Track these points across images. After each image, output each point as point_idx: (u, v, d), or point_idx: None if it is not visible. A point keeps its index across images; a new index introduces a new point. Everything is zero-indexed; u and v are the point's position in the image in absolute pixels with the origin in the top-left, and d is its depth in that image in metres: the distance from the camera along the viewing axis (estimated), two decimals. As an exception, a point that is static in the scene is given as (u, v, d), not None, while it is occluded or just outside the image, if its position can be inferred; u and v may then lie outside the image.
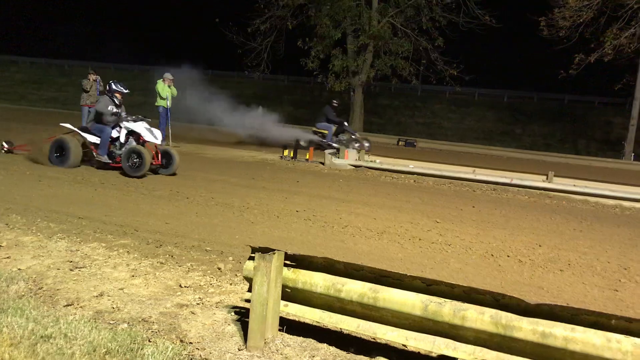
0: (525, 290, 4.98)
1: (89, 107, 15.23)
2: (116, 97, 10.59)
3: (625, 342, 2.84)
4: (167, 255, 5.42)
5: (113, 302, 4.15)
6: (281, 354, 3.42)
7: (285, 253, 3.59)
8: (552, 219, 8.72)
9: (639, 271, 5.97)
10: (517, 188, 11.62)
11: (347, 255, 5.76)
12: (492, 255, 6.20)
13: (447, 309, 3.14)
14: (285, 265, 3.61)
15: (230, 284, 4.67)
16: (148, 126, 10.44)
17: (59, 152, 10.33)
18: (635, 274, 5.86)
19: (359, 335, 3.71)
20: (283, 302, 3.63)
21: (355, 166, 13.46)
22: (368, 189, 10.66)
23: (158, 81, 14.88)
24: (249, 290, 3.66)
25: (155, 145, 10.38)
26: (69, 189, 8.58)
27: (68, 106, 18.28)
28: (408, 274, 3.25)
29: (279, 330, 3.65)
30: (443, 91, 30.93)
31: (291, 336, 3.66)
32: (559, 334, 2.92)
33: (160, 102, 14.91)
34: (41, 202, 7.36)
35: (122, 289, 4.44)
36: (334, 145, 16.58)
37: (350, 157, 13.70)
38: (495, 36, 23.68)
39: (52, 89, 35.89)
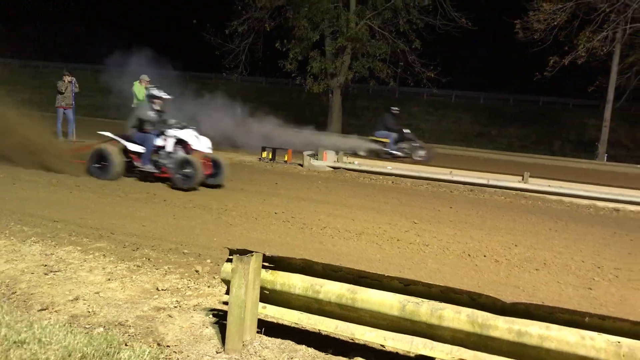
0: (502, 290, 5.04)
1: (64, 109, 15.02)
2: (156, 104, 9.91)
3: (599, 339, 2.88)
4: (144, 259, 5.37)
5: (89, 306, 4.10)
6: (259, 356, 3.41)
7: (264, 255, 3.58)
8: (528, 219, 8.84)
9: (612, 270, 6.08)
10: (493, 189, 11.74)
11: (326, 256, 5.76)
12: (469, 255, 6.26)
13: (425, 309, 3.16)
14: (264, 267, 3.61)
15: (208, 287, 4.65)
16: (196, 133, 9.77)
17: (100, 163, 9.61)
18: (608, 272, 5.97)
19: (337, 336, 3.72)
20: (261, 304, 3.62)
21: (334, 168, 13.48)
22: (346, 191, 10.68)
23: (135, 83, 14.72)
24: (227, 292, 3.64)
25: (204, 154, 9.68)
26: (43, 191, 8.44)
27: (43, 108, 17.98)
28: (386, 275, 3.27)
29: (258, 332, 3.64)
30: (420, 93, 31.13)
31: (270, 338, 3.65)
32: (535, 332, 2.96)
33: (137, 104, 14.76)
34: (15, 205, 7.23)
35: (98, 292, 4.39)
36: (397, 153, 16.08)
37: (328, 159, 13.71)
38: (472, 39, 23.89)
39: (26, 90, 35.34)
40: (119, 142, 9.90)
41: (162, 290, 4.52)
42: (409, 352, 3.33)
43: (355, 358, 3.49)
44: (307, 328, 3.74)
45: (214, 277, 4.87)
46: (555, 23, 19.08)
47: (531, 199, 11.04)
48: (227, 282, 3.64)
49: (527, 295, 4.96)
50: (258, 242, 6.20)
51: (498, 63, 29.58)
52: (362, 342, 3.61)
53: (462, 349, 3.12)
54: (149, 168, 9.72)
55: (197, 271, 5.04)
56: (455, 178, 12.23)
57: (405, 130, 16.91)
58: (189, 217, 7.38)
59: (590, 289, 5.40)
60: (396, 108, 17.46)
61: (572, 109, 29.87)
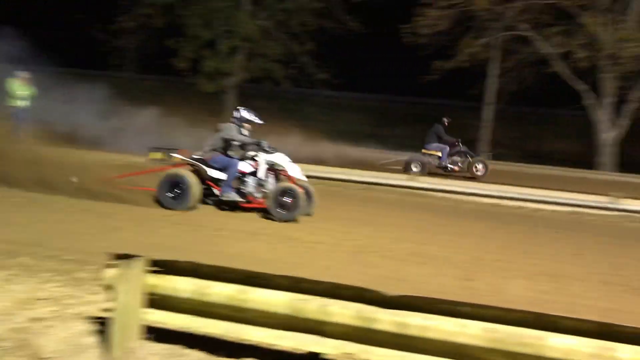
0: (390, 284, 5.18)
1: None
2: (245, 127, 8.79)
3: (475, 326, 3.06)
4: (21, 267, 5.01)
5: (-45, 321, 3.76)
6: (145, 363, 3.29)
7: (149, 258, 3.46)
8: (415, 216, 9.23)
9: (491, 262, 6.51)
10: (384, 187, 12.12)
11: (219, 258, 5.64)
12: (360, 251, 6.43)
13: (313, 306, 3.20)
14: (150, 271, 3.48)
15: (91, 294, 4.41)
16: (289, 158, 8.74)
17: (174, 191, 8.19)
18: (487, 264, 6.37)
19: (229, 339, 3.67)
20: (147, 310, 3.49)
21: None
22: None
23: (10, 79, 13.74)
24: (110, 299, 3.48)
25: (295, 181, 8.55)
26: None
27: None
28: (275, 274, 3.27)
29: (147, 338, 3.51)
30: (315, 95, 31.48)
31: (158, 344, 3.53)
32: (417, 323, 3.09)
33: (13, 102, 13.77)
34: None
35: (-34, 306, 4.04)
36: (451, 167, 14.84)
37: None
38: (364, 42, 24.55)
39: None
40: (195, 166, 8.56)
41: (41, 299, 4.24)
42: (300, 349, 3.36)
43: (247, 359, 3.47)
44: (197, 332, 3.66)
45: (97, 284, 4.63)
46: (440, 29, 20.01)
47: (419, 196, 11.51)
48: (110, 288, 3.48)
49: (413, 288, 5.15)
50: (148, 246, 5.98)
51: (389, 66, 30.59)
52: (253, 343, 3.58)
53: (350, 343, 3.19)
54: (232, 196, 8.39)
55: (78, 278, 4.79)
56: (347, 177, 12.51)
57: (459, 143, 15.39)
58: (72, 222, 6.99)
59: (471, 280, 5.73)
60: (447, 118, 15.74)
61: (456, 110, 31.51)
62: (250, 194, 8.41)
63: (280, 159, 8.59)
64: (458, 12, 20.04)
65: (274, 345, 3.48)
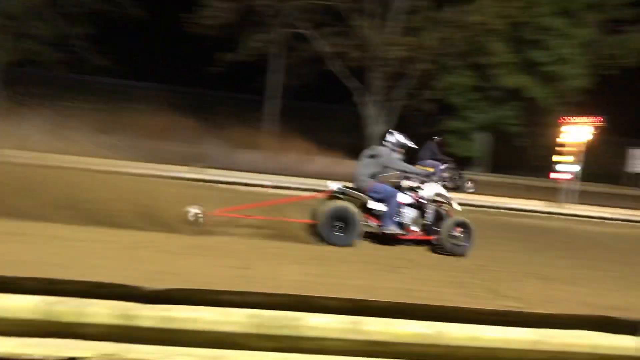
0: (163, 278, 5.05)
1: None
2: (398, 152, 8.24)
3: (239, 314, 3.14)
4: None
5: None
6: None
7: None
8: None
9: (267, 249, 6.75)
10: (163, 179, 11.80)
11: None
12: (134, 247, 6.18)
13: (69, 308, 3.01)
14: None
15: None
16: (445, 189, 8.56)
17: (339, 225, 7.52)
18: (262, 253, 6.58)
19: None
20: None
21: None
22: None
23: None
24: None
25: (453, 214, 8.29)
26: None
27: None
28: (22, 276, 2.98)
29: None
30: (95, 82, 29.48)
31: None
32: (181, 316, 3.07)
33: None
34: None
35: None
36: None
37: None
38: (150, 29, 23.66)
39: None
40: (354, 196, 7.86)
41: None
42: (56, 356, 3.12)
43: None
44: None
45: None
46: (223, 21, 20.07)
47: (200, 189, 11.42)
48: None
49: (187, 280, 5.08)
50: None
51: (177, 56, 29.94)
52: (4, 356, 3.23)
53: (111, 344, 3.07)
54: (395, 230, 7.87)
55: None
56: (124, 169, 11.99)
57: (451, 161, 15.78)
58: None
59: (248, 268, 5.86)
60: (438, 137, 16.01)
61: (242, 103, 31.98)
62: (409, 226, 8.09)
63: (443, 191, 8.52)
64: (241, 6, 20.27)
65: (26, 355, 3.18)
